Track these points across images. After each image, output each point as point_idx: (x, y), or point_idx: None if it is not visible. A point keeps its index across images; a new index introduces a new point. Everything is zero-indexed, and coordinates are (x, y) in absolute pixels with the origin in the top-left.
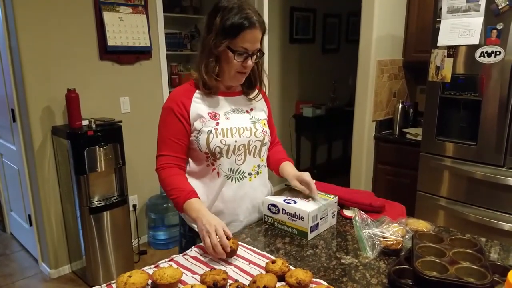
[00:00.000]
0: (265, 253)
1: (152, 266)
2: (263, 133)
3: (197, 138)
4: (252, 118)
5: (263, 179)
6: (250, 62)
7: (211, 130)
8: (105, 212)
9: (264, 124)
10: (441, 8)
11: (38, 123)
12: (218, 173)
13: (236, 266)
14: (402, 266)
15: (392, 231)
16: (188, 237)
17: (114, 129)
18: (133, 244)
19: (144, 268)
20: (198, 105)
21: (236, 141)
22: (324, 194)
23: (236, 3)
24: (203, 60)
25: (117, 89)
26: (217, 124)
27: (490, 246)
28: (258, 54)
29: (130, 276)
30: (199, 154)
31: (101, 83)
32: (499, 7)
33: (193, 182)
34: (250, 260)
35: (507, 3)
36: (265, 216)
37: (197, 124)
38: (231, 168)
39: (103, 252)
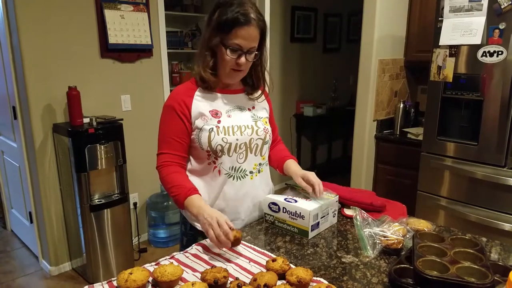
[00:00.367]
0: (265, 252)
1: (153, 263)
2: (265, 131)
3: (198, 136)
4: (254, 116)
5: (265, 177)
6: (243, 60)
7: (212, 128)
8: (105, 210)
9: (266, 122)
10: (443, 8)
11: (39, 121)
12: (219, 171)
13: (236, 264)
14: (402, 266)
15: (393, 230)
16: (189, 235)
17: (115, 127)
18: (133, 242)
19: (145, 266)
20: (199, 103)
21: (237, 139)
22: (325, 193)
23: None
24: (200, 54)
25: (118, 87)
26: (218, 122)
27: (491, 246)
28: (255, 53)
29: (131, 273)
30: (201, 153)
31: (102, 81)
32: (502, 7)
33: (195, 181)
34: (251, 258)
35: (510, 2)
36: (266, 215)
37: (198, 122)
38: (232, 167)
39: (103, 249)
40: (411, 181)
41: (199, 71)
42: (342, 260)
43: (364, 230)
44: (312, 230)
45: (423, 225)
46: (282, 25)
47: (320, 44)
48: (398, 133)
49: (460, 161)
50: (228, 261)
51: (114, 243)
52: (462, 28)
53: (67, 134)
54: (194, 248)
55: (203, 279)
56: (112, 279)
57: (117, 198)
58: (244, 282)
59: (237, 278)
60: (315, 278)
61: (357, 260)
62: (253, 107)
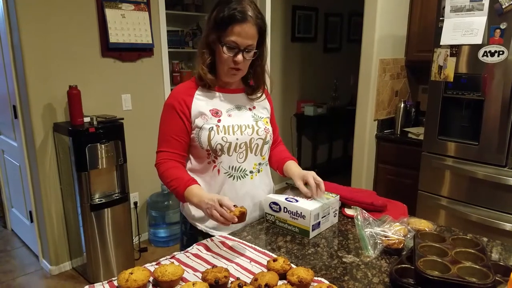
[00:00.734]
0: (266, 251)
1: (154, 263)
2: (265, 131)
3: (198, 135)
4: (255, 116)
5: (265, 177)
6: (240, 57)
7: (212, 127)
8: (106, 209)
9: (267, 122)
10: (444, 7)
11: (40, 120)
12: (218, 170)
13: (237, 264)
14: (404, 265)
15: (394, 230)
16: (189, 235)
17: (115, 126)
18: (133, 241)
19: (146, 265)
20: (199, 102)
21: (237, 139)
22: (326, 192)
23: None
24: (199, 53)
25: (119, 86)
26: (218, 121)
27: (491, 246)
28: (254, 51)
29: (131, 273)
30: (200, 151)
31: (103, 80)
32: (503, 7)
33: None
34: (252, 258)
35: (511, 2)
36: (267, 214)
37: (198, 121)
38: (232, 166)
39: (103, 249)
40: (412, 181)
41: (199, 71)
42: (343, 260)
43: (365, 230)
44: (313, 230)
45: (424, 225)
46: (282, 25)
47: (321, 43)
48: (398, 132)
49: (461, 161)
50: (229, 261)
51: (114, 243)
52: (463, 28)
53: (67, 133)
54: (195, 248)
55: (204, 279)
56: (113, 278)
57: (117, 197)
58: (245, 282)
59: (238, 278)
60: (316, 278)
61: (358, 260)
62: (254, 107)
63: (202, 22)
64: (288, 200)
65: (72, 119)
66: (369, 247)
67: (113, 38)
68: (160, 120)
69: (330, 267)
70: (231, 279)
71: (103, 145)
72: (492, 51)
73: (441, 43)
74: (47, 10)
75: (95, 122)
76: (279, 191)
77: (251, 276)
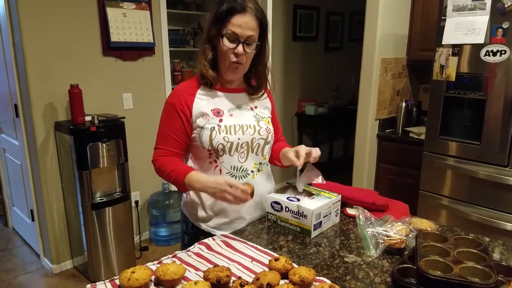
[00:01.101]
0: (268, 251)
1: (155, 262)
2: (267, 131)
3: (199, 135)
4: (256, 115)
5: (265, 176)
6: (240, 49)
7: (214, 127)
8: (107, 208)
9: (268, 122)
10: (446, 7)
11: (41, 119)
12: (220, 170)
13: (239, 263)
14: (406, 265)
15: (396, 230)
16: (190, 234)
17: (117, 125)
18: (134, 240)
19: (147, 264)
20: (201, 102)
21: (239, 139)
22: (327, 192)
23: None
24: (201, 49)
25: (120, 85)
26: (220, 121)
27: (493, 246)
28: (256, 43)
29: (133, 272)
30: (202, 151)
31: (104, 79)
32: (505, 6)
33: None
34: (253, 258)
35: None
36: (268, 214)
37: (200, 121)
38: (234, 166)
39: (105, 248)
40: (413, 180)
41: (201, 68)
42: (345, 259)
43: (367, 229)
44: (314, 229)
45: (426, 224)
46: (284, 24)
47: (322, 43)
48: (400, 132)
49: (462, 160)
50: (231, 260)
51: (115, 241)
52: (465, 27)
53: (69, 132)
54: (197, 247)
55: (205, 278)
56: (115, 277)
57: (118, 196)
58: (247, 281)
59: (239, 277)
60: (318, 277)
61: (360, 259)
62: (256, 107)
63: (203, 21)
64: (289, 200)
65: (74, 118)
66: (371, 247)
67: (114, 37)
68: (160, 118)
69: (332, 267)
70: (233, 278)
71: (104, 144)
72: (494, 50)
73: (443, 43)
74: (49, 9)
75: (96, 121)
76: (280, 191)
77: (253, 276)
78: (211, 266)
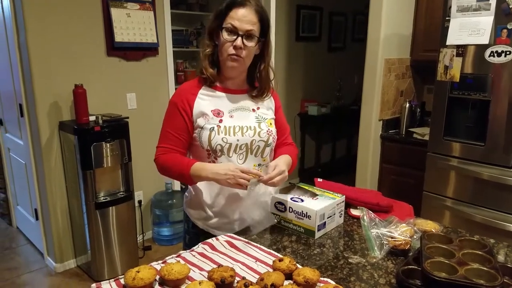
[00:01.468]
0: (272, 251)
1: (160, 261)
2: (268, 134)
3: (199, 135)
4: (258, 117)
5: None
6: (239, 42)
7: (213, 128)
8: (110, 208)
9: (271, 124)
10: (450, 7)
11: (46, 118)
12: None
13: (243, 264)
14: (410, 267)
15: (400, 231)
16: (191, 233)
17: (120, 125)
18: (137, 239)
19: (152, 264)
20: (202, 102)
21: (238, 140)
22: (331, 193)
23: None
24: (202, 45)
25: (124, 85)
26: (220, 121)
27: (498, 248)
28: (255, 40)
29: (138, 272)
30: (201, 151)
31: (108, 79)
32: (510, 6)
33: None
34: (257, 258)
35: None
36: (272, 214)
37: (200, 121)
38: None
39: (108, 247)
40: (417, 181)
41: (201, 64)
42: (349, 260)
43: (371, 230)
44: (318, 230)
45: (430, 226)
46: (287, 24)
47: (325, 43)
48: (403, 133)
49: (466, 161)
50: (235, 260)
51: (118, 241)
52: (470, 27)
53: (73, 132)
54: (201, 247)
55: (210, 278)
56: (119, 277)
57: (122, 195)
58: (251, 281)
59: (244, 278)
60: (322, 278)
61: (364, 260)
62: (258, 108)
63: (206, 21)
64: (293, 200)
65: (78, 118)
66: (375, 248)
67: (118, 37)
68: (163, 117)
69: (336, 268)
70: (237, 278)
71: (108, 144)
72: (499, 51)
73: (447, 43)
74: (54, 10)
75: (100, 121)
76: (283, 191)
77: (257, 276)
78: (215, 266)
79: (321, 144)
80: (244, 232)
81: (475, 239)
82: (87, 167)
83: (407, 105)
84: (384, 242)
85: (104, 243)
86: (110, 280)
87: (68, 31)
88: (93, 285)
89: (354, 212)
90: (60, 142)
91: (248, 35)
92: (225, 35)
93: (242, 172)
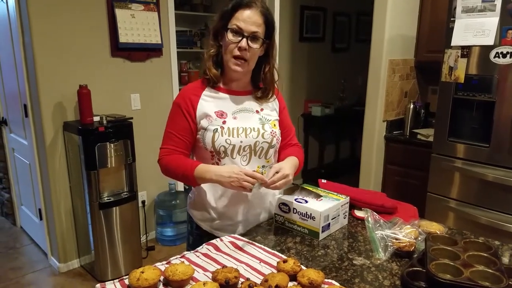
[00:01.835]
0: (276, 252)
1: (164, 262)
2: (272, 135)
3: (203, 136)
4: (262, 118)
5: None
6: (244, 43)
7: (217, 129)
8: (114, 208)
9: (274, 125)
10: (455, 8)
11: (50, 119)
12: None
13: (247, 265)
14: (415, 268)
15: (405, 232)
16: (195, 234)
17: (125, 126)
18: (141, 240)
19: (156, 264)
20: (205, 103)
21: (241, 141)
22: (336, 194)
23: None
24: (206, 45)
25: (128, 86)
26: (223, 122)
27: (503, 250)
28: (260, 42)
29: (142, 272)
30: (205, 153)
31: (112, 79)
32: None
33: None
34: (261, 259)
35: None
36: (276, 215)
37: (203, 123)
38: None
39: (111, 247)
40: (421, 182)
41: (205, 65)
42: (354, 262)
43: (376, 232)
44: (322, 232)
45: (435, 227)
46: (291, 25)
47: (329, 43)
48: (408, 134)
49: (471, 163)
50: (239, 261)
51: (122, 241)
52: (475, 28)
53: (77, 132)
54: (205, 248)
55: (214, 279)
56: (124, 277)
57: (126, 196)
58: (255, 282)
59: (248, 279)
60: (326, 280)
61: (369, 262)
62: (262, 109)
63: (211, 22)
64: (297, 201)
65: (82, 118)
66: (380, 250)
67: (122, 38)
68: (167, 119)
69: (341, 269)
70: (241, 279)
71: (112, 144)
72: (504, 52)
73: (452, 44)
74: (58, 10)
75: (104, 121)
76: (287, 192)
77: (261, 277)
78: (219, 267)
79: (324, 145)
80: (248, 233)
81: (480, 241)
82: (91, 167)
83: (411, 106)
84: (389, 243)
85: (107, 243)
86: (115, 280)
87: (72, 31)
88: (98, 285)
89: (358, 213)
90: (64, 142)
91: (253, 36)
92: (230, 36)
93: (246, 176)
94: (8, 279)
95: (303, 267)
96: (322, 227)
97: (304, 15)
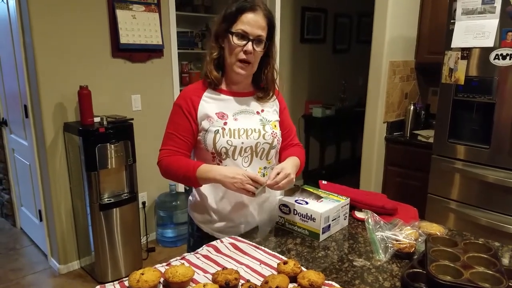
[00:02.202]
0: (276, 254)
1: (164, 264)
2: (272, 136)
3: (204, 138)
4: (263, 119)
5: None
6: (250, 47)
7: (218, 130)
8: (114, 209)
9: (275, 126)
10: (455, 10)
11: (50, 119)
12: None
13: (247, 266)
14: (415, 270)
15: (405, 234)
16: (196, 236)
17: (125, 127)
18: (141, 241)
19: (156, 266)
20: (206, 105)
21: (243, 143)
22: (336, 195)
23: None
24: (208, 47)
25: (129, 86)
26: (224, 124)
27: (504, 251)
28: (263, 44)
29: (142, 274)
30: (206, 154)
31: (113, 80)
32: None
33: None
34: (261, 261)
35: None
36: (276, 216)
37: (204, 124)
38: None
39: (112, 248)
40: (421, 183)
41: (206, 67)
42: (354, 263)
43: (376, 233)
44: (323, 233)
45: (435, 229)
46: (292, 26)
47: (330, 45)
48: (408, 135)
49: (471, 164)
50: (239, 263)
51: (122, 242)
52: (475, 30)
53: (77, 133)
54: (205, 249)
55: (214, 281)
56: (124, 279)
57: (126, 197)
58: (256, 284)
59: (248, 281)
60: (326, 281)
61: (369, 263)
62: (262, 110)
63: (212, 23)
64: (298, 202)
65: (82, 119)
66: (380, 251)
67: (123, 39)
68: (167, 120)
69: (341, 271)
70: (241, 281)
71: (112, 145)
72: (504, 54)
73: (452, 46)
74: (59, 11)
75: (105, 122)
76: (288, 193)
77: (261, 279)
78: (219, 268)
79: (325, 146)
80: (248, 234)
81: (480, 242)
82: (91, 168)
83: (412, 107)
84: (389, 245)
85: (108, 245)
86: (115, 282)
87: (73, 32)
88: (98, 287)
89: (359, 214)
90: (64, 143)
91: (257, 40)
92: (235, 40)
93: (250, 179)
94: (8, 280)
95: (303, 268)
96: (323, 228)
97: (305, 16)
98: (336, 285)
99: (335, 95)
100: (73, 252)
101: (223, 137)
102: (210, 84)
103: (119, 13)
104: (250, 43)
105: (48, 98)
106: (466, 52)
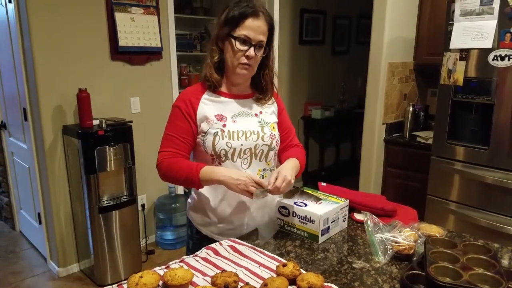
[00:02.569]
0: (275, 256)
1: (163, 267)
2: (271, 137)
3: (203, 140)
4: (261, 121)
5: None
6: (252, 52)
7: (217, 132)
8: (114, 212)
9: (274, 128)
10: (454, 11)
11: (49, 122)
12: None
13: (246, 269)
14: (414, 272)
15: (404, 235)
16: (195, 239)
17: (124, 129)
18: (141, 243)
19: (155, 269)
20: (205, 107)
21: (242, 145)
22: (335, 197)
23: None
24: (208, 50)
25: (128, 89)
26: (224, 126)
27: (503, 253)
28: (263, 49)
29: (141, 277)
30: (205, 156)
31: (112, 83)
32: None
33: None
34: (261, 263)
35: None
36: (276, 219)
37: (203, 126)
38: None
39: (111, 251)
40: (420, 185)
41: (206, 71)
42: (353, 265)
43: (375, 235)
44: (322, 235)
45: (434, 230)
46: (290, 28)
47: (329, 46)
48: (407, 136)
49: (470, 165)
50: (238, 265)
51: (122, 245)
52: (473, 31)
53: (76, 136)
54: (204, 252)
55: (213, 283)
56: (122, 282)
57: (125, 199)
58: (255, 287)
59: (247, 283)
60: (326, 283)
61: (368, 265)
62: (261, 112)
63: (210, 25)
64: (297, 205)
65: (81, 122)
66: (379, 253)
67: (122, 42)
68: (166, 122)
69: (340, 273)
70: (240, 284)
71: (111, 148)
72: (503, 55)
73: (450, 47)
74: (58, 13)
75: (104, 125)
76: (287, 195)
77: (260, 281)
78: (218, 271)
79: (324, 148)
80: (247, 236)
81: (479, 243)
82: (90, 171)
83: (411, 108)
84: (388, 247)
85: (107, 247)
86: (114, 285)
87: (72, 35)
88: None
89: (358, 216)
90: (63, 146)
91: (259, 45)
92: (237, 44)
93: (254, 182)
94: (7, 283)
95: (302, 270)
96: (322, 230)
97: (304, 18)
98: (335, 287)
99: (334, 97)
100: (72, 255)
101: (222, 139)
102: (209, 86)
103: (118, 16)
104: (252, 48)
105: (47, 101)
106: (464, 53)
